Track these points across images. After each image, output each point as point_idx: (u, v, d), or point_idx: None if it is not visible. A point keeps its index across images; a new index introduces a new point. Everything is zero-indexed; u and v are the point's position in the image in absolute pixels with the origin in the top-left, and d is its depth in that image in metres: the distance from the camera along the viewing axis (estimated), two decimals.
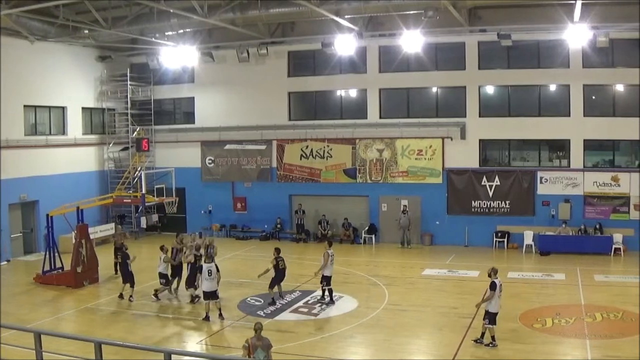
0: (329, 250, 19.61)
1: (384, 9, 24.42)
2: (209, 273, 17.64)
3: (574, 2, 23.14)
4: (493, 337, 15.36)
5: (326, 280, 19.45)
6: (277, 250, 19.61)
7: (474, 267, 24.19)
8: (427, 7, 23.58)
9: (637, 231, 26.58)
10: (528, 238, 27.48)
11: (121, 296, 20.19)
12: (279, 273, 19.33)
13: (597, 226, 26.89)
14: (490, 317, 15.36)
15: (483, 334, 15.56)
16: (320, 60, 29.97)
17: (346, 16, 24.94)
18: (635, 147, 27.75)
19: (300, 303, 19.57)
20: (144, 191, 25.90)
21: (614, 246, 26.36)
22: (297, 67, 31.05)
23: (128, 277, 20.32)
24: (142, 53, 31.43)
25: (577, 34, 24.38)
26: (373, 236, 29.75)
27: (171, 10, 24.12)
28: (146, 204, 27.35)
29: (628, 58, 26.72)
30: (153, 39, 28.19)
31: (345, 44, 26.80)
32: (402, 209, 29.03)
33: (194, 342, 16.30)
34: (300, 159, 30.76)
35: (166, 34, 27.90)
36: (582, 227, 26.92)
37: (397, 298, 20.19)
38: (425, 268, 24.57)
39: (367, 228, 29.85)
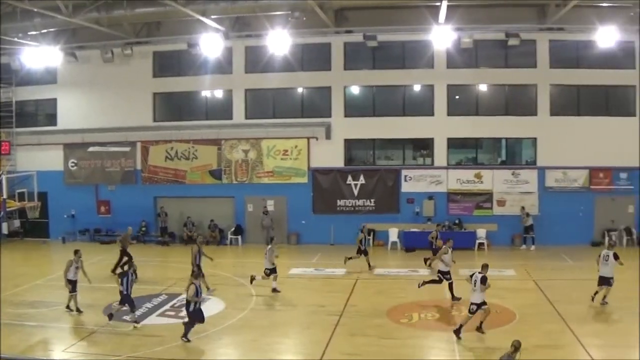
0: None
1: (251, 10, 24.49)
2: None
3: (439, 4, 23.57)
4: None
5: None
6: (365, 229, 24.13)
7: (341, 265, 24.05)
8: (294, 8, 23.65)
9: (499, 226, 27.45)
10: (393, 235, 27.86)
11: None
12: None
13: (457, 221, 27.58)
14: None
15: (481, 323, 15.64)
16: (186, 61, 29.42)
17: (213, 16, 24.68)
18: (497, 144, 28.63)
19: (167, 306, 18.82)
20: (4, 196, 25.21)
21: (477, 241, 27.01)
22: (162, 67, 30.40)
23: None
24: (4, 53, 29.92)
25: (442, 36, 24.81)
26: (239, 237, 29.47)
27: (35, 10, 23.19)
28: (7, 209, 26.49)
29: (491, 59, 27.72)
30: (15, 39, 27.00)
31: (211, 44, 26.25)
32: (263, 209, 28.98)
33: (60, 350, 15.22)
34: (165, 160, 30.11)
35: (29, 33, 26.82)
36: (446, 223, 27.39)
37: (265, 298, 19.87)
38: (292, 267, 24.30)
39: (233, 229, 29.50)
